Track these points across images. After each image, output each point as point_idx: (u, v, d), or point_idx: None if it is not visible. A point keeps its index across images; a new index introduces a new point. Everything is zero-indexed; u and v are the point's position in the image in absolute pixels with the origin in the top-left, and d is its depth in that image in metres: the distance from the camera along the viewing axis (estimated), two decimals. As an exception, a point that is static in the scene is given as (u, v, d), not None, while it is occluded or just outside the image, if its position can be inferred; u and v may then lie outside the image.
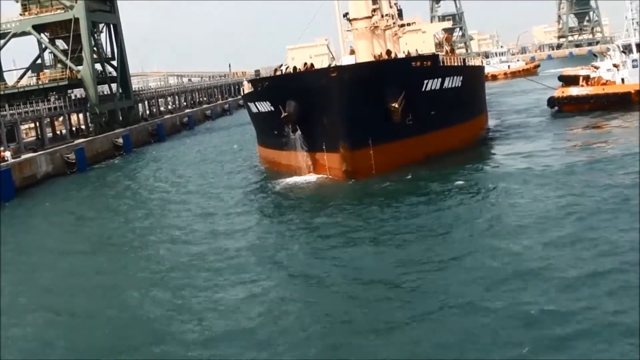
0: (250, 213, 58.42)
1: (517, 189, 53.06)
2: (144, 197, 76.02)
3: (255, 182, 74.85)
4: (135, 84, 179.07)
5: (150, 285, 40.85)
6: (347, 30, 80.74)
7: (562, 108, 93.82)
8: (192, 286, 39.24)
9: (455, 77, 75.02)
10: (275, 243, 46.84)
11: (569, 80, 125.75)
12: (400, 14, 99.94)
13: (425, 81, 68.77)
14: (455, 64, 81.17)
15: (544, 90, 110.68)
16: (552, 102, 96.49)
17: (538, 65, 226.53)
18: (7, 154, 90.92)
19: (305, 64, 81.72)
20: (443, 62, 75.43)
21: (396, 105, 63.87)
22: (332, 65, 72.33)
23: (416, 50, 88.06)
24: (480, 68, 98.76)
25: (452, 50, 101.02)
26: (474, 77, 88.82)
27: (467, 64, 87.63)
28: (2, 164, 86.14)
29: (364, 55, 77.36)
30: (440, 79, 70.95)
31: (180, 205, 66.33)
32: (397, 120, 64.82)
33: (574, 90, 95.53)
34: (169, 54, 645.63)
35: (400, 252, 40.66)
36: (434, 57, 75.59)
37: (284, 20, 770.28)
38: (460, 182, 57.68)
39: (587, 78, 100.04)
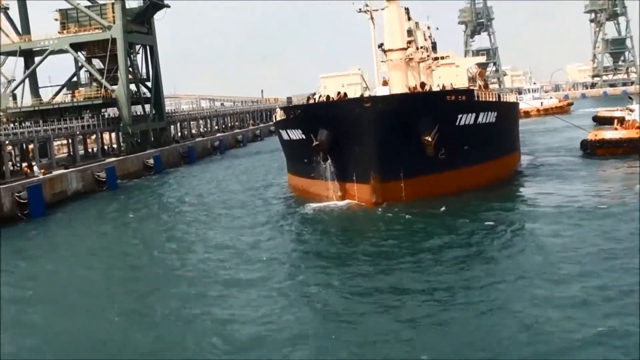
0: (275, 238, 58.40)
1: (547, 230, 52.22)
2: (172, 217, 75.92)
3: (283, 208, 74.72)
4: (168, 105, 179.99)
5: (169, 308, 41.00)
6: (382, 61, 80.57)
7: (595, 152, 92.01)
8: (208, 314, 39.19)
9: (489, 113, 74.62)
10: (301, 273, 46.57)
11: (604, 121, 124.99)
12: (434, 47, 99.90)
13: (460, 115, 68.51)
14: (490, 99, 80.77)
15: (577, 129, 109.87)
16: (585, 145, 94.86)
17: (571, 104, 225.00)
18: (36, 169, 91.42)
19: (339, 93, 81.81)
20: (478, 97, 75.03)
21: (429, 139, 63.65)
22: (365, 96, 72.35)
23: (450, 84, 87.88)
24: (515, 104, 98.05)
25: (486, 86, 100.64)
26: (509, 113, 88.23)
27: (501, 100, 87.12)
28: (33, 178, 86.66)
29: (398, 86, 77.13)
30: (474, 114, 70.61)
31: (208, 229, 66.18)
32: (430, 153, 64.58)
33: (607, 134, 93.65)
34: (200, 78, 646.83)
35: (424, 290, 40.04)
36: (468, 92, 75.35)
37: (317, 48, 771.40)
38: (491, 222, 56.52)
39: (621, 120, 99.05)
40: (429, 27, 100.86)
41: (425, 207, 62.30)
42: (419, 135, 64.22)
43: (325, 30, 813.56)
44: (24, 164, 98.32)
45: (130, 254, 59.62)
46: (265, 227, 63.21)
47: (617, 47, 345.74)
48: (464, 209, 61.57)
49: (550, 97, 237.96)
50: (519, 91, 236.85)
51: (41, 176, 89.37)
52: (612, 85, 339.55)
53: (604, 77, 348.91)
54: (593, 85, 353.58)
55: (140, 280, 49.71)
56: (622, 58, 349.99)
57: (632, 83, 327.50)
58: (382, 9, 75.34)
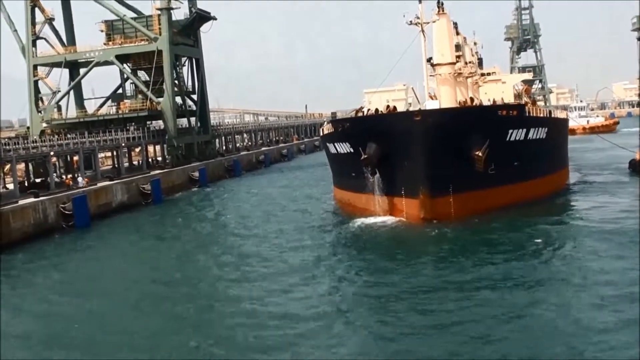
0: (321, 254, 57.25)
1: (597, 250, 51.05)
2: (218, 231, 75.89)
3: (328, 223, 73.65)
4: (212, 119, 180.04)
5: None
6: (430, 76, 79.56)
7: None
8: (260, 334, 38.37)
9: (540, 129, 73.50)
10: (347, 293, 45.56)
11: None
12: (480, 63, 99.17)
13: (510, 131, 67.46)
14: (541, 115, 79.67)
15: (624, 149, 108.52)
16: (633, 164, 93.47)
17: (617, 122, 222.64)
18: (80, 179, 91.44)
19: (388, 106, 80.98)
20: (529, 112, 74.00)
21: (480, 154, 62.61)
22: (414, 110, 71.54)
23: (501, 99, 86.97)
24: (565, 121, 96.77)
25: (534, 102, 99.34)
26: (558, 129, 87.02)
27: (552, 116, 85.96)
28: (77, 190, 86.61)
29: (447, 101, 76.17)
30: (525, 130, 69.52)
31: (253, 243, 65.60)
32: (480, 169, 63.43)
33: None
34: (243, 92, 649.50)
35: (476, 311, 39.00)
36: (520, 107, 74.33)
37: (362, 63, 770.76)
38: (539, 240, 55.91)
39: None
40: (475, 43, 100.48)
41: (474, 227, 61.38)
42: (469, 150, 63.20)
43: (368, 46, 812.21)
44: (68, 176, 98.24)
45: (177, 268, 58.80)
46: (310, 244, 62.10)
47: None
48: (514, 228, 60.50)
49: (597, 116, 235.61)
50: (565, 109, 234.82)
51: (85, 186, 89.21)
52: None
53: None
54: (639, 104, 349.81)
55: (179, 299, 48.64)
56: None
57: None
58: (433, 22, 74.37)
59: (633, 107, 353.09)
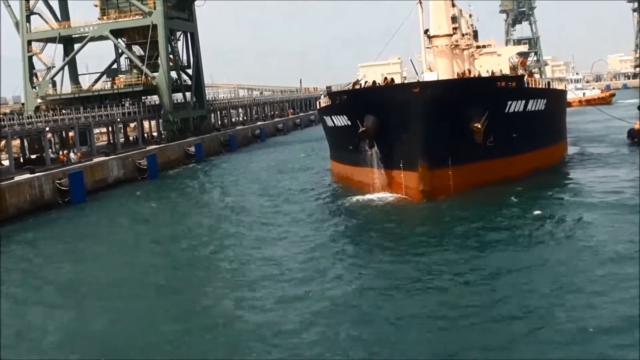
0: (318, 230, 56.98)
1: (598, 223, 50.65)
2: (215, 207, 75.57)
3: (326, 197, 73.44)
4: (207, 94, 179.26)
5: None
6: (427, 47, 78.92)
7: None
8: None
9: (539, 100, 73.08)
10: (342, 269, 45.07)
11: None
12: (475, 35, 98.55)
13: (509, 102, 67.02)
14: (540, 86, 79.26)
15: (621, 119, 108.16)
16: (632, 134, 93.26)
17: (613, 94, 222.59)
18: (72, 154, 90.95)
19: (386, 78, 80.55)
20: (528, 84, 73.55)
21: (479, 126, 62.06)
22: (412, 81, 71.06)
23: (499, 71, 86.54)
24: (563, 92, 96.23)
25: (531, 74, 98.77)
26: (557, 101, 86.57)
27: (551, 87, 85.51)
28: (73, 165, 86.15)
29: (444, 73, 75.80)
30: (524, 101, 69.10)
31: (247, 218, 65.39)
32: (479, 141, 62.96)
33: None
34: (237, 67, 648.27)
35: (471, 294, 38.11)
36: (519, 78, 73.86)
37: (353, 37, 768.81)
38: (539, 212, 55.59)
39: None
40: (470, 15, 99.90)
41: (474, 200, 60.91)
42: (467, 122, 62.59)
43: (360, 19, 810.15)
44: (64, 151, 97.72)
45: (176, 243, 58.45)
46: (308, 221, 61.50)
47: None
48: (514, 200, 60.49)
49: (592, 88, 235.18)
50: (561, 81, 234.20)
51: (76, 160, 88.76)
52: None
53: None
54: (635, 76, 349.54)
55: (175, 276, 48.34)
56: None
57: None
58: (431, -6, 73.98)
59: (629, 78, 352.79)
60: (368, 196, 67.58)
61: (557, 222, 52.85)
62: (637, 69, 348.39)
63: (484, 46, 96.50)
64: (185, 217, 69.64)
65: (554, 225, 51.74)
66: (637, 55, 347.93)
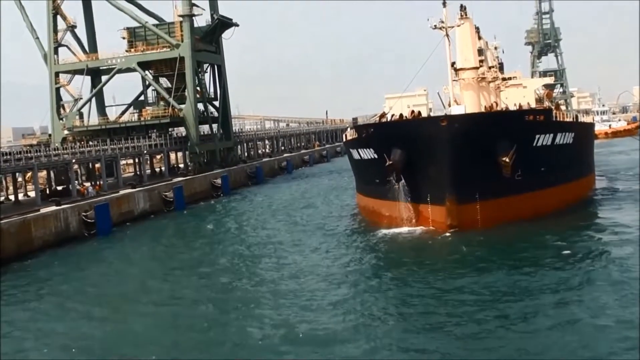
0: (344, 265, 56.50)
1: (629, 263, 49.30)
2: (240, 241, 74.69)
3: (352, 231, 73.12)
4: (233, 126, 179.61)
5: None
6: (453, 80, 78.53)
7: None
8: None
9: (567, 134, 72.59)
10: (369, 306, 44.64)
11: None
12: (501, 67, 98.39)
13: (537, 136, 66.53)
14: (567, 119, 78.79)
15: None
16: None
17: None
18: (90, 188, 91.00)
19: (412, 111, 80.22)
20: (555, 117, 73.08)
21: (507, 160, 61.61)
22: (440, 115, 70.75)
23: (527, 104, 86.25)
24: (591, 125, 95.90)
25: (557, 107, 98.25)
26: (585, 134, 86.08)
27: (579, 120, 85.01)
28: (92, 198, 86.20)
29: (471, 106, 75.30)
30: (552, 135, 68.61)
31: (274, 251, 65.23)
32: (507, 175, 62.46)
33: None
34: (263, 99, 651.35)
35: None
36: (547, 112, 73.33)
37: (379, 69, 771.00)
38: (568, 251, 54.05)
39: None
40: (496, 48, 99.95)
41: (500, 237, 60.05)
42: (495, 156, 62.18)
43: (387, 51, 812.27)
44: (86, 184, 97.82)
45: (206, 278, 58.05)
46: (333, 254, 61.30)
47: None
48: (541, 238, 59.18)
49: (619, 120, 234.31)
50: (587, 113, 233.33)
51: (94, 193, 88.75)
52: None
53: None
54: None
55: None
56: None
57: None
58: (458, 26, 73.64)
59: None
60: (395, 230, 67.02)
61: (587, 264, 50.82)
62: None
63: (509, 78, 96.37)
64: (209, 256, 68.52)
65: (583, 270, 49.59)
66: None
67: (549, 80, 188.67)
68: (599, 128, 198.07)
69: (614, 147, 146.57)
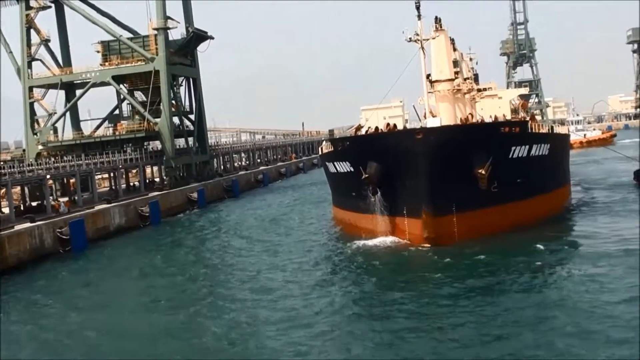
0: (319, 277, 56.38)
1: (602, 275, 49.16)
2: (217, 254, 74.40)
3: (328, 244, 72.87)
4: (209, 138, 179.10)
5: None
6: (429, 92, 78.47)
7: None
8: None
9: (542, 145, 72.60)
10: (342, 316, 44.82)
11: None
12: (476, 78, 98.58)
13: (513, 148, 66.52)
14: (543, 131, 78.98)
15: (622, 161, 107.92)
16: (638, 175, 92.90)
17: (614, 135, 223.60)
18: (62, 204, 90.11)
19: (388, 124, 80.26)
20: (531, 129, 73.21)
21: (483, 172, 61.68)
22: (416, 127, 70.71)
23: (503, 115, 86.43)
24: (566, 136, 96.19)
25: (533, 117, 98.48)
26: (560, 145, 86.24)
27: (554, 132, 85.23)
28: (64, 215, 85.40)
29: (447, 118, 75.38)
30: (527, 146, 68.59)
31: (251, 265, 64.72)
32: (483, 187, 62.46)
33: None
34: (238, 112, 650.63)
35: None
36: (522, 123, 73.46)
37: (355, 81, 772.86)
38: (542, 262, 54.58)
39: None
40: (471, 59, 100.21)
41: (476, 247, 59.94)
42: (471, 168, 62.22)
43: (362, 63, 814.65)
44: (59, 200, 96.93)
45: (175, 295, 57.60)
46: (309, 267, 60.90)
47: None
48: (517, 251, 58.74)
49: (594, 129, 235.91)
50: (562, 123, 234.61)
51: (65, 210, 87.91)
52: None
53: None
54: (636, 116, 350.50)
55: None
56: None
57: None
58: (433, 38, 73.72)
59: (630, 119, 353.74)
60: (371, 243, 66.75)
61: (560, 275, 51.22)
62: (638, 110, 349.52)
63: (485, 89, 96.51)
64: (184, 270, 67.13)
65: (556, 280, 50.17)
66: (638, 96, 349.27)
67: (524, 90, 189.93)
68: (574, 137, 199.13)
69: (588, 156, 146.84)
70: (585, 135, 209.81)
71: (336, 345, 39.22)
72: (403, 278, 53.91)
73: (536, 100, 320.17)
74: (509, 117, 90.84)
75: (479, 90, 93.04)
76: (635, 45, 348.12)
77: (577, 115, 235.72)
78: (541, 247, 59.58)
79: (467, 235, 62.47)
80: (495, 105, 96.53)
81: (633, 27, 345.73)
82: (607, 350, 35.17)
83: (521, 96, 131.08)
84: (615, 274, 49.01)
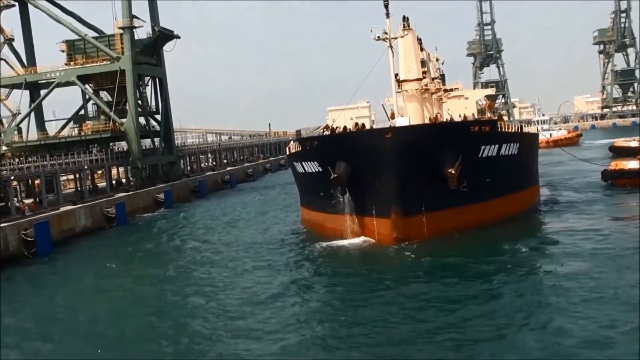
0: (286, 280, 55.38)
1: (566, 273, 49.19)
2: (183, 257, 73.02)
3: (296, 245, 71.99)
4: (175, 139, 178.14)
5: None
6: (397, 92, 78.03)
7: (615, 182, 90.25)
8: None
9: (512, 144, 72.37)
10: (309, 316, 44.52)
11: (621, 152, 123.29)
12: (443, 79, 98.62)
13: (483, 147, 66.21)
14: (513, 130, 78.84)
15: (587, 161, 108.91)
16: (605, 175, 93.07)
17: (580, 135, 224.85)
18: (26, 206, 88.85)
19: (356, 124, 79.81)
20: (501, 128, 72.93)
21: (453, 171, 61.17)
22: (386, 127, 70.27)
23: (471, 115, 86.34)
24: (535, 135, 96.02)
25: (500, 117, 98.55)
26: (530, 145, 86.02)
27: (523, 131, 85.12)
28: (40, 215, 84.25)
29: (415, 117, 75.12)
30: (497, 146, 68.33)
31: (213, 268, 63.65)
32: (453, 186, 62.03)
33: (628, 164, 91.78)
34: (205, 111, 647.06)
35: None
36: (492, 122, 73.13)
37: (321, 81, 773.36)
38: (511, 260, 54.82)
39: None
40: (437, 59, 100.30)
41: (444, 246, 59.85)
42: (441, 168, 61.71)
43: (328, 63, 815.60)
44: (26, 201, 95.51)
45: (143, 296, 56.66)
46: (276, 269, 59.84)
47: (626, 79, 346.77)
48: (486, 249, 58.78)
49: (560, 129, 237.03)
50: (528, 123, 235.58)
51: (29, 212, 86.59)
52: (621, 117, 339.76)
53: (613, 109, 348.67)
54: (602, 117, 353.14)
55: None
56: (631, 89, 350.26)
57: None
58: (402, 37, 73.35)
59: (596, 119, 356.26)
60: (339, 243, 66.28)
61: (526, 272, 51.47)
62: (604, 110, 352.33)
63: (451, 90, 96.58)
64: (150, 273, 66.06)
65: (522, 276, 50.26)
66: (604, 96, 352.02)
67: (491, 91, 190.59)
68: (541, 137, 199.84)
69: (554, 156, 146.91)
70: (551, 134, 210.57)
71: (300, 349, 38.54)
72: (371, 279, 53.39)
73: (503, 100, 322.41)
74: (475, 117, 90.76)
75: (445, 90, 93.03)
76: (602, 46, 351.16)
77: (544, 115, 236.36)
78: (509, 246, 59.21)
79: (437, 235, 62.17)
80: (462, 106, 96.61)
81: (600, 28, 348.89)
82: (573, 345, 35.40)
83: (488, 97, 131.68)
84: (579, 270, 49.49)
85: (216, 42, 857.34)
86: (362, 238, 66.38)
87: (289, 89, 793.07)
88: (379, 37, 71.42)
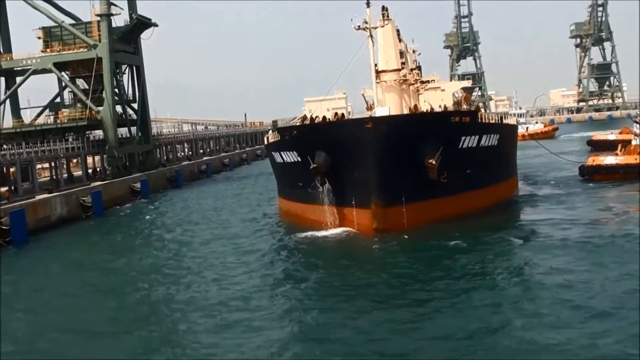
0: (264, 271, 54.90)
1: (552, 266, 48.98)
2: (160, 246, 72.36)
3: (273, 235, 71.71)
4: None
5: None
6: (376, 82, 77.67)
7: (592, 177, 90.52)
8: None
9: (492, 135, 72.32)
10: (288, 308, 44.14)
11: (599, 145, 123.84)
12: (419, 70, 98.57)
13: (463, 138, 66.04)
14: (493, 121, 78.78)
15: (563, 154, 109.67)
16: (583, 170, 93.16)
17: (556, 129, 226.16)
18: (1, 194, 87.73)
19: (336, 114, 79.48)
20: (481, 119, 72.76)
21: (433, 162, 61.05)
22: (366, 117, 69.95)
23: (444, 106, 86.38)
24: (515, 127, 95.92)
25: (478, 109, 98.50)
26: (509, 136, 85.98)
27: (503, 122, 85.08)
28: (15, 203, 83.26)
29: (394, 108, 74.91)
30: (477, 137, 68.22)
31: (190, 260, 62.65)
32: (433, 177, 61.83)
33: (605, 159, 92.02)
34: (180, 101, 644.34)
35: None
36: (473, 113, 73.07)
37: (299, 71, 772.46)
38: (491, 252, 54.54)
39: (626, 144, 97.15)
40: (414, 51, 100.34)
41: (423, 237, 59.71)
42: (421, 158, 61.50)
43: (306, 53, 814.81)
44: (0, 189, 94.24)
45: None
46: (253, 261, 59.03)
47: (602, 72, 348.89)
48: (464, 239, 58.30)
49: (536, 122, 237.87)
50: (505, 116, 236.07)
51: (3, 200, 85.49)
52: (597, 110, 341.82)
53: (590, 102, 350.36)
54: (579, 110, 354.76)
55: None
56: (607, 83, 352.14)
57: (617, 108, 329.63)
58: (382, 27, 73.05)
59: (572, 113, 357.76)
60: (319, 234, 65.93)
61: (503, 264, 51.21)
62: (581, 104, 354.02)
63: (428, 81, 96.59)
64: (127, 262, 65.42)
65: (502, 267, 50.16)
66: (580, 90, 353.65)
67: (467, 83, 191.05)
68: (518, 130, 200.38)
69: (531, 150, 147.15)
70: (527, 128, 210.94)
71: (276, 342, 37.90)
72: (350, 269, 53.07)
73: (479, 93, 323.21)
74: (451, 109, 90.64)
75: (422, 82, 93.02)
76: (578, 40, 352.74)
77: (520, 108, 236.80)
78: (489, 237, 59.27)
79: (417, 226, 61.99)
80: (438, 98, 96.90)
81: (576, 21, 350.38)
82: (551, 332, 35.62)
83: (464, 89, 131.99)
84: (555, 263, 49.74)
85: (191, 32, 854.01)
86: (342, 228, 66.04)
87: (263, 81, 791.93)
88: (359, 26, 71.20)
